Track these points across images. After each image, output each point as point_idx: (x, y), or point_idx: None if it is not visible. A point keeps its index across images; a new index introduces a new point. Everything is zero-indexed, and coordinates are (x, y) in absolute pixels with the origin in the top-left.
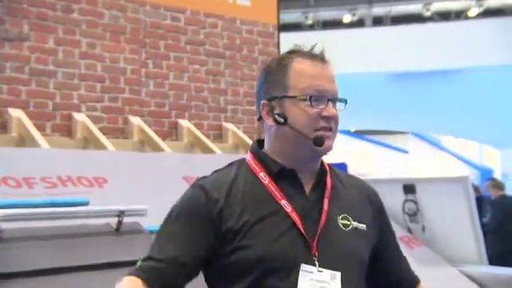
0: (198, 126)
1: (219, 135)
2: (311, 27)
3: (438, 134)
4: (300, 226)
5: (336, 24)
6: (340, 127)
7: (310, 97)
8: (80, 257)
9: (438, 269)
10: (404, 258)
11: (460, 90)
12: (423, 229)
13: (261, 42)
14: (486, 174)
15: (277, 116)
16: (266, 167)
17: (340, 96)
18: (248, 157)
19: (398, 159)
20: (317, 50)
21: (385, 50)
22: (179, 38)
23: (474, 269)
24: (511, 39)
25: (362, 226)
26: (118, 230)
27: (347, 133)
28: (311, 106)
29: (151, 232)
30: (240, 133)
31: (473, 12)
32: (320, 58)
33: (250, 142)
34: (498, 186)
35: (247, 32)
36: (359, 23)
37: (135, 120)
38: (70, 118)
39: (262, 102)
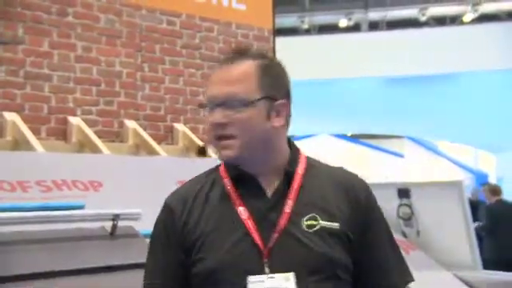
0: (194, 130)
1: None
2: (307, 32)
3: (434, 139)
4: (253, 233)
5: (332, 28)
6: (337, 131)
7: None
8: (74, 260)
9: (433, 273)
10: (390, 261)
11: (456, 95)
12: (418, 233)
13: (256, 46)
14: (481, 178)
15: None
16: (228, 172)
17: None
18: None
19: (393, 163)
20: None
21: (381, 55)
22: (175, 42)
23: (469, 273)
24: (506, 44)
25: (333, 225)
26: (113, 233)
27: (343, 137)
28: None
29: (145, 236)
30: None
31: (468, 17)
32: (228, 60)
33: None
34: (494, 190)
35: (242, 36)
36: (355, 28)
37: (130, 124)
38: (65, 121)
39: None
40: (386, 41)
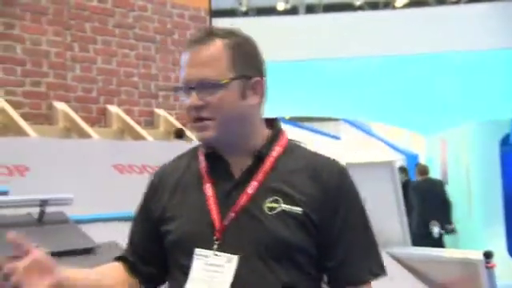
0: (128, 112)
1: (150, 122)
2: (245, 14)
3: (369, 121)
4: (212, 210)
5: (270, 11)
6: (275, 115)
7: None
8: None
9: None
10: (357, 251)
11: (388, 78)
12: None
13: (193, 26)
14: (412, 158)
15: None
16: (204, 150)
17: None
18: None
19: (331, 146)
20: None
21: (317, 37)
22: (107, 21)
23: (399, 250)
24: (435, 28)
25: (295, 209)
26: (41, 220)
27: (282, 120)
28: (183, 98)
29: (77, 221)
30: (172, 119)
31: (400, 2)
32: (195, 42)
33: (183, 128)
34: (420, 170)
35: (178, 16)
36: (293, 11)
37: (60, 106)
38: None
39: None
40: (321, 24)
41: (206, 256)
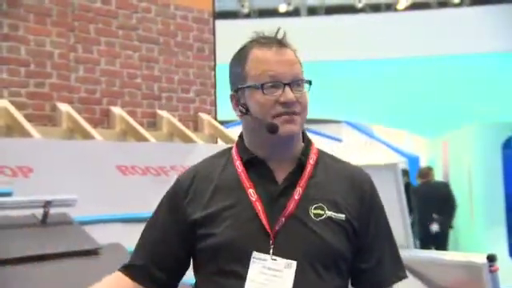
0: (131, 114)
1: (153, 123)
2: (247, 16)
3: (370, 123)
4: (261, 216)
5: (272, 13)
6: None
7: (262, 85)
8: (2, 250)
9: None
10: (387, 255)
11: (389, 80)
12: None
13: (196, 28)
14: (414, 161)
15: (240, 107)
16: (241, 155)
17: (305, 78)
18: (234, 144)
19: (332, 148)
20: (279, 35)
21: (319, 40)
22: (110, 23)
23: (402, 252)
24: (439, 31)
25: (339, 216)
26: (44, 221)
27: None
28: (264, 93)
29: (81, 223)
30: (175, 121)
31: (401, 5)
32: (277, 43)
33: (186, 129)
34: (421, 173)
35: (181, 18)
36: (295, 12)
37: (64, 107)
38: None
39: (230, 94)
40: (323, 26)
41: (264, 260)
